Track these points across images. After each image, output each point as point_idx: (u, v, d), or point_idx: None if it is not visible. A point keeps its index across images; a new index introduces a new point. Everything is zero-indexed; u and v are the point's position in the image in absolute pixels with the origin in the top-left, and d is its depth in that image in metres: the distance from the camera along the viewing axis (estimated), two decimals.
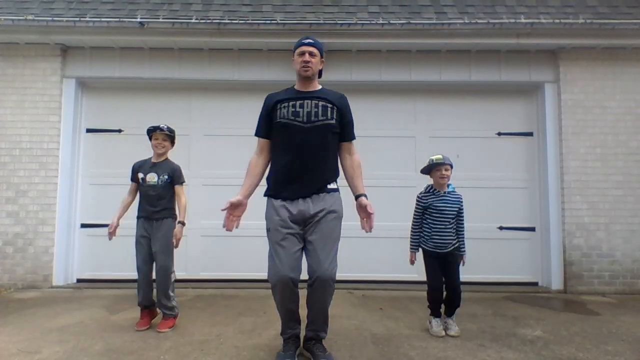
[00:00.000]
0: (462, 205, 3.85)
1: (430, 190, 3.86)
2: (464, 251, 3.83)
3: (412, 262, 3.86)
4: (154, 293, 3.90)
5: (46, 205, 5.57)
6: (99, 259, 5.73)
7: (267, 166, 3.16)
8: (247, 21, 5.45)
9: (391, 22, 5.47)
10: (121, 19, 5.41)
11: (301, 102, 3.01)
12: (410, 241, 3.89)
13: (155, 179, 3.92)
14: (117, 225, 3.91)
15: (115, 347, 3.37)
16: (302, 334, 3.16)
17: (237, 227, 3.03)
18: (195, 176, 5.85)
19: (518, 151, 6.02)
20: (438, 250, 3.76)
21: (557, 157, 5.75)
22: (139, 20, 5.38)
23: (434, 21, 5.53)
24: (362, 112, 5.91)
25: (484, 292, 5.38)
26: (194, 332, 3.76)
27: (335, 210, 3.00)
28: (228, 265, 5.77)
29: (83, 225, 5.83)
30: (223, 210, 2.97)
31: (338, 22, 5.47)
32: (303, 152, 2.94)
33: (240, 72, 5.89)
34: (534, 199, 5.94)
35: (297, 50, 3.08)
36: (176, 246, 3.86)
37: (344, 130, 3.11)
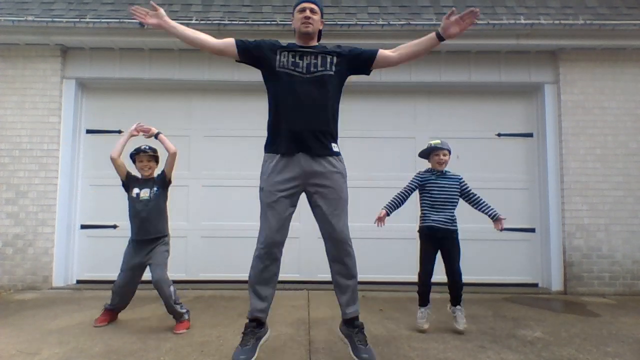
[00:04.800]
0: (464, 183, 3.95)
1: (429, 170, 3.97)
2: (497, 213, 3.90)
3: (378, 220, 3.87)
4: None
5: (46, 206, 5.56)
6: (99, 260, 5.73)
7: (205, 46, 3.08)
8: (247, 22, 5.46)
9: (391, 23, 5.47)
10: (121, 20, 5.41)
11: (301, 54, 2.97)
12: (389, 202, 3.93)
13: (148, 194, 3.94)
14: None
15: (115, 349, 3.36)
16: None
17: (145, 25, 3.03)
18: (195, 177, 5.85)
19: (518, 152, 6.03)
20: (437, 226, 3.80)
21: (557, 158, 5.75)
22: (138, 21, 5.35)
23: (434, 22, 5.52)
24: (362, 113, 5.92)
25: (483, 293, 5.38)
26: (194, 333, 3.76)
27: (340, 170, 2.98)
28: (228, 266, 5.75)
29: (83, 227, 5.83)
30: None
31: (338, 22, 5.47)
32: (303, 102, 2.88)
33: (240, 72, 5.86)
34: (534, 200, 5.94)
35: (298, 7, 3.04)
36: (146, 133, 3.97)
37: (361, 57, 3.05)
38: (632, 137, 5.71)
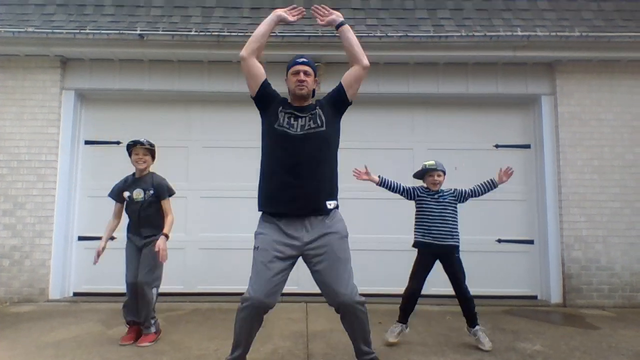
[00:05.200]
0: (459, 191, 3.99)
1: (426, 190, 3.98)
2: (493, 179, 4.12)
3: (360, 173, 3.94)
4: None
5: (44, 217, 5.54)
6: (96, 272, 5.66)
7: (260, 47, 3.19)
8: (247, 34, 5.47)
9: (389, 34, 5.51)
10: (121, 31, 5.43)
11: (295, 115, 2.96)
12: (386, 178, 4.00)
13: (142, 194, 3.89)
14: (104, 248, 3.90)
15: None
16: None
17: None
18: (193, 188, 5.84)
19: (516, 163, 5.98)
20: (437, 242, 3.77)
21: (554, 170, 5.77)
22: (138, 32, 5.40)
23: (432, 34, 5.57)
24: (360, 124, 5.93)
25: (483, 305, 5.32)
26: (191, 346, 3.73)
27: (337, 230, 2.87)
28: (226, 278, 5.72)
29: (80, 238, 5.80)
30: None
31: (336, 34, 5.48)
32: (296, 162, 2.83)
33: (240, 84, 5.85)
34: (532, 211, 5.94)
35: (292, 70, 3.04)
36: (162, 259, 3.74)
37: (336, 92, 3.07)
38: (628, 148, 5.73)
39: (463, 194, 3.99)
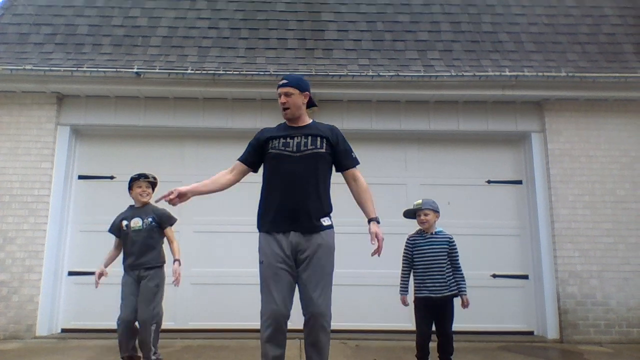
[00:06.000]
0: (453, 245, 3.83)
1: (419, 232, 3.91)
2: (464, 291, 3.75)
3: (404, 304, 3.79)
4: (136, 343, 3.80)
5: (34, 252, 5.47)
6: (86, 308, 5.58)
7: (229, 185, 3.20)
8: (242, 72, 5.61)
9: (380, 74, 5.65)
10: (118, 69, 5.54)
11: (292, 135, 3.02)
12: (400, 284, 3.85)
13: (140, 223, 3.89)
14: (105, 271, 3.85)
15: None
16: None
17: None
18: (186, 223, 5.80)
19: (508, 199, 6.09)
20: (433, 296, 3.67)
21: (547, 205, 5.81)
22: (135, 70, 5.51)
23: (422, 73, 5.72)
24: None
25: (478, 341, 5.27)
26: None
27: (327, 244, 2.94)
28: (218, 315, 5.62)
29: (70, 273, 5.71)
30: (165, 197, 2.94)
31: (329, 73, 5.64)
32: (294, 181, 2.91)
33: (234, 120, 5.99)
34: (526, 246, 5.95)
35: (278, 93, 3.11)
36: (177, 284, 3.77)
37: (341, 160, 3.11)
38: (619, 184, 5.80)
39: (451, 252, 3.81)
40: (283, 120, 3.16)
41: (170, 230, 4.01)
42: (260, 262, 2.95)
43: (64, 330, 5.57)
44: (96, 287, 3.85)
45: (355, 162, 3.19)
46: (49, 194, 5.62)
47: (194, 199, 5.94)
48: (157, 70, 5.56)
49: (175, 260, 3.85)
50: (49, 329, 5.44)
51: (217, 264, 5.77)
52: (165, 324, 5.33)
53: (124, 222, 3.92)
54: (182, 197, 2.97)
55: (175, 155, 6.07)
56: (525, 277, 5.87)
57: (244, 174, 3.20)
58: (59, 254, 5.65)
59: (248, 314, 5.48)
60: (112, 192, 5.77)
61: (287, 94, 3.04)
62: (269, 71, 5.62)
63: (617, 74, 5.75)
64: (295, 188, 2.91)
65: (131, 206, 4.03)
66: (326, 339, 2.90)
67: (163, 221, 3.96)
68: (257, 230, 3.08)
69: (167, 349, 4.70)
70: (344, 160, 3.13)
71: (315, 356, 2.90)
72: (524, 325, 5.77)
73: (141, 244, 3.85)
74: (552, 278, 5.64)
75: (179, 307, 5.61)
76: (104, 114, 5.92)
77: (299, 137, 3.01)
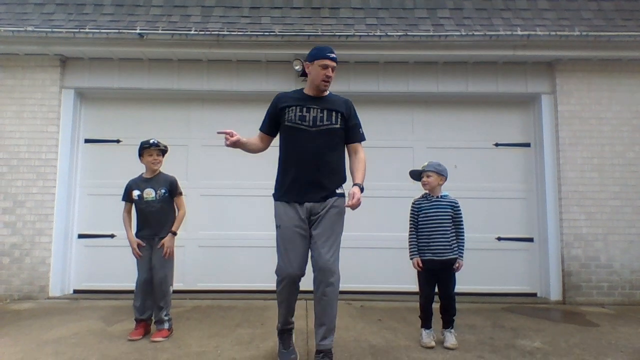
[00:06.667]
0: (457, 210, 3.82)
1: (424, 196, 3.90)
2: (462, 256, 3.78)
3: (417, 266, 3.78)
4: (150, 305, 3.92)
5: (43, 215, 5.54)
6: (96, 270, 5.70)
7: (262, 150, 3.36)
8: (246, 33, 5.49)
9: (388, 34, 5.51)
10: (120, 30, 5.43)
11: (308, 107, 3.11)
12: (409, 248, 3.86)
13: (153, 194, 3.92)
14: (139, 242, 3.92)
15: (111, 359, 3.34)
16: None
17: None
18: (193, 187, 5.84)
19: (516, 162, 6.04)
20: (436, 259, 3.71)
21: (554, 168, 5.77)
22: (138, 31, 5.40)
23: (431, 33, 5.57)
24: None
25: (482, 303, 5.36)
26: (191, 343, 3.74)
27: (338, 205, 3.12)
28: (225, 276, 5.74)
29: (80, 236, 5.80)
30: (226, 135, 3.10)
31: (336, 34, 5.51)
32: (309, 156, 3.06)
33: (239, 83, 5.91)
34: (532, 209, 5.95)
35: (321, 62, 3.10)
36: (166, 255, 3.86)
37: (349, 133, 3.25)
38: (629, 147, 5.73)
39: (456, 216, 3.80)
40: (288, 89, 3.21)
41: (180, 199, 4.05)
42: (277, 227, 3.14)
43: (75, 291, 5.71)
44: (139, 257, 3.90)
45: (361, 138, 3.35)
46: (56, 157, 5.65)
47: (201, 162, 5.99)
48: (160, 32, 5.45)
49: (170, 232, 3.91)
50: (62, 289, 5.58)
51: (224, 227, 5.83)
52: (175, 285, 5.44)
53: (136, 192, 3.93)
54: (234, 144, 3.13)
55: (181, 118, 6.03)
56: (530, 239, 5.90)
57: (270, 141, 3.37)
58: (68, 217, 5.72)
59: (255, 275, 5.62)
60: (119, 156, 5.80)
61: (334, 70, 3.14)
62: (274, 31, 5.50)
63: (633, 33, 5.57)
64: (310, 163, 3.07)
65: (141, 176, 4.03)
66: (333, 295, 3.06)
67: (174, 189, 4.00)
68: (262, 195, 3.16)
69: (177, 309, 4.82)
70: (351, 134, 3.28)
71: (320, 311, 3.07)
72: (527, 287, 5.84)
73: (156, 216, 3.91)
74: (557, 241, 5.67)
75: (187, 269, 5.72)
76: (108, 76, 5.85)
77: (315, 111, 3.11)
